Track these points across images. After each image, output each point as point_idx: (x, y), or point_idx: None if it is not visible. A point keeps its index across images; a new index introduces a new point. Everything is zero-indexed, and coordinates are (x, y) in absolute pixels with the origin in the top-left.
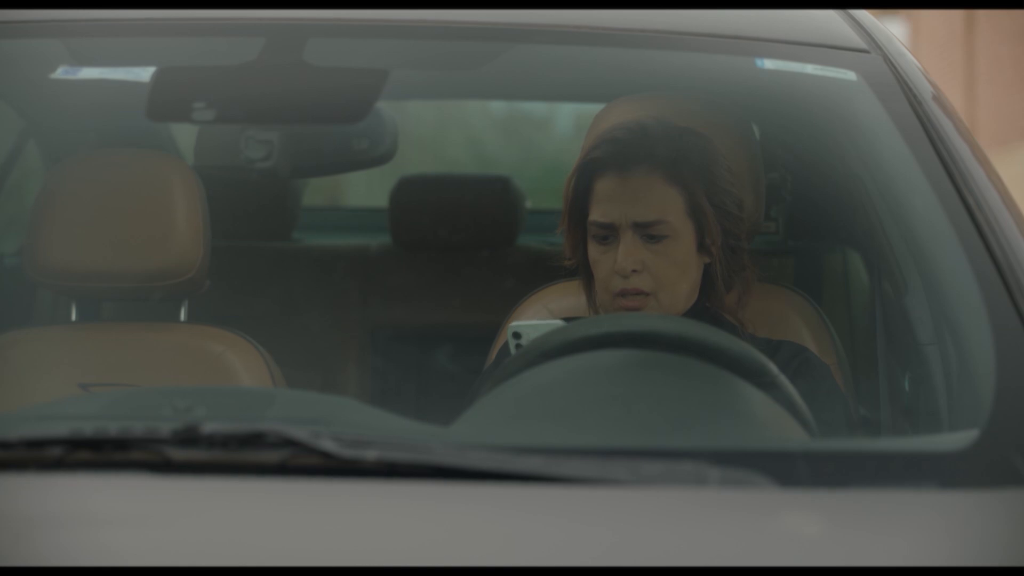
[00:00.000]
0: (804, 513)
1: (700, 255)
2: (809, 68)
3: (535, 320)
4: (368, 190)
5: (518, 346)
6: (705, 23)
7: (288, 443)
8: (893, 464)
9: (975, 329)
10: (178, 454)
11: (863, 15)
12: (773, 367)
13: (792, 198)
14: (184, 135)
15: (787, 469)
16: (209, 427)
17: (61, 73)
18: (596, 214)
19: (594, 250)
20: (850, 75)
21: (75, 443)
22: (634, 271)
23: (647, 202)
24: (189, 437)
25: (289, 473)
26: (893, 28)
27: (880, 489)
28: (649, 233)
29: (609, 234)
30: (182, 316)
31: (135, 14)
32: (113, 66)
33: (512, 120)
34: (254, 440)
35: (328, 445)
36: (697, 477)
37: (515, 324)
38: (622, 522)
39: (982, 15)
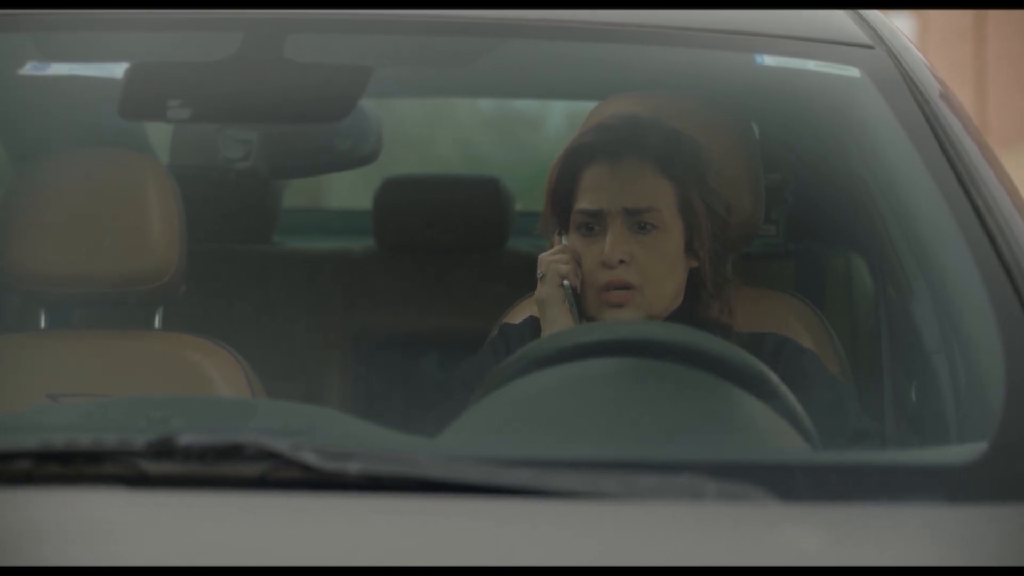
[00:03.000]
0: (805, 528)
1: (687, 257)
2: (811, 64)
3: None
4: (351, 191)
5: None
6: (702, 18)
7: (268, 455)
8: (898, 477)
9: (984, 336)
10: (153, 467)
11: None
12: (773, 376)
13: (793, 200)
14: (159, 134)
15: (788, 482)
16: (185, 439)
17: (29, 69)
18: (583, 202)
19: (578, 242)
20: (853, 71)
21: (45, 456)
22: (621, 262)
23: (638, 189)
24: (164, 449)
25: (269, 487)
26: (900, 24)
27: (885, 503)
28: (639, 221)
29: (595, 223)
30: (156, 323)
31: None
32: (84, 62)
33: (502, 119)
34: (232, 452)
35: (309, 457)
36: (693, 491)
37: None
38: (614, 538)
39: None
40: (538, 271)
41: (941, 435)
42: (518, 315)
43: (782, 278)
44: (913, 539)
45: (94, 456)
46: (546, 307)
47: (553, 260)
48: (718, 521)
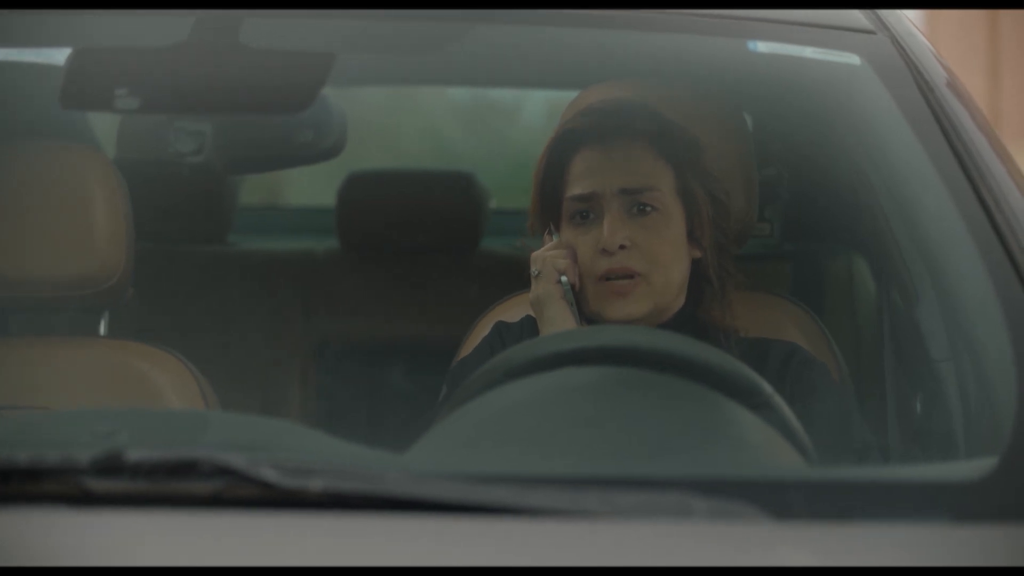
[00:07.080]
0: (801, 549)
1: (690, 246)
2: (808, 51)
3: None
4: (313, 187)
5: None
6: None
7: (223, 472)
8: (901, 495)
9: (994, 343)
10: (98, 485)
11: None
12: (767, 386)
13: (789, 196)
14: (104, 125)
15: (782, 500)
16: (133, 455)
17: None
18: (575, 188)
19: (571, 233)
20: (854, 59)
21: None
22: (622, 247)
23: (635, 169)
24: (111, 466)
25: (224, 505)
26: (909, 12)
27: (886, 522)
28: (637, 202)
29: (590, 208)
30: (102, 330)
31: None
32: (21, 47)
33: (476, 109)
34: (185, 469)
35: (268, 474)
36: (681, 509)
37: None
38: (597, 559)
39: None
40: (532, 269)
41: (948, 449)
42: (490, 323)
43: (777, 281)
44: (917, 561)
45: (33, 474)
46: (544, 306)
47: (549, 256)
48: (708, 541)
